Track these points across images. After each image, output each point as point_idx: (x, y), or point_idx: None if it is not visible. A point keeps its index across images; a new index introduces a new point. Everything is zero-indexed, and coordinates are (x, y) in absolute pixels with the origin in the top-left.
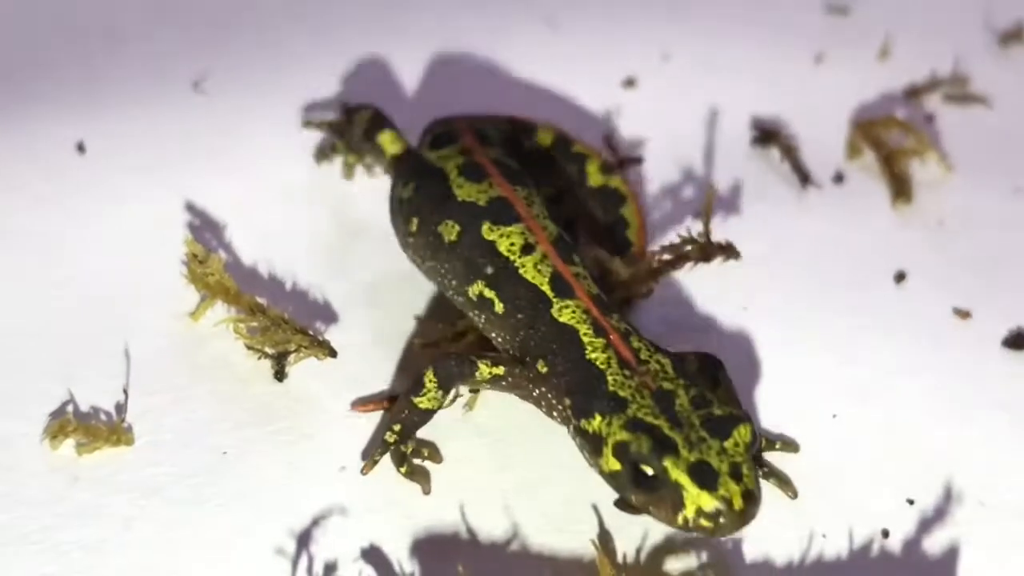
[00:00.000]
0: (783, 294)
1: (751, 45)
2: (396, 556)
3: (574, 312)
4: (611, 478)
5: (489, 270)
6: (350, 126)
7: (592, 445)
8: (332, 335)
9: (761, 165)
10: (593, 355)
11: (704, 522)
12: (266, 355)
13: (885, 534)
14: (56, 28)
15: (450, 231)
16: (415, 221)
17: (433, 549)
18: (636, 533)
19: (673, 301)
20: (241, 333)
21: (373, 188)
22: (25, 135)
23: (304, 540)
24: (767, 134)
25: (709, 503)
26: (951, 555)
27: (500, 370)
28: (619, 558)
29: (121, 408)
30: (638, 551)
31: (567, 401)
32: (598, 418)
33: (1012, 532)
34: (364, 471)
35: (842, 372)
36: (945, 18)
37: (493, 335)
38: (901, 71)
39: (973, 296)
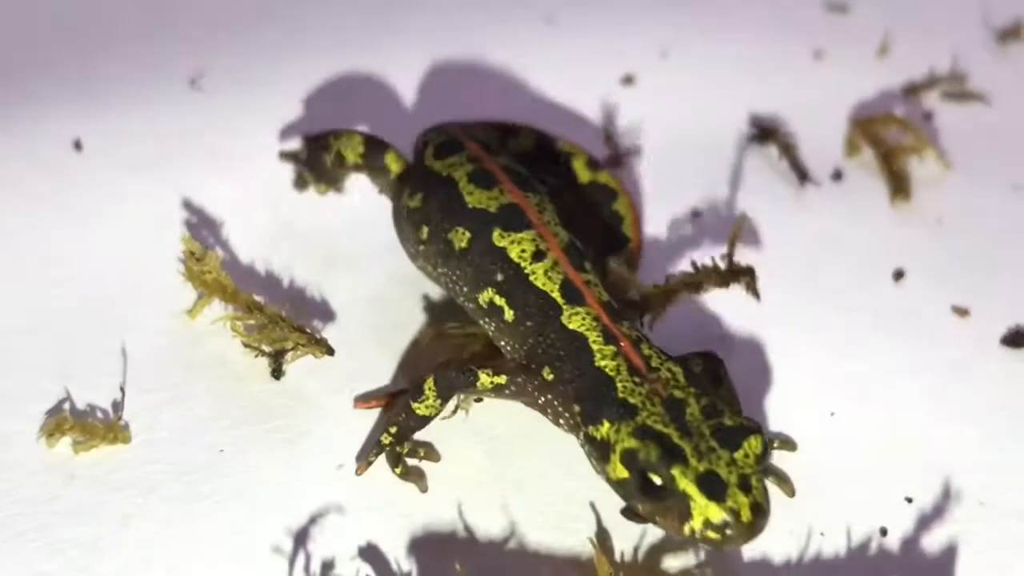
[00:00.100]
0: (781, 291)
1: (750, 42)
2: (393, 554)
3: (584, 319)
4: (618, 486)
5: (499, 277)
6: (316, 156)
7: (600, 452)
8: (329, 333)
9: (759, 162)
10: (602, 362)
11: (711, 534)
12: (263, 353)
13: (883, 532)
14: (53, 26)
15: (461, 238)
16: (425, 230)
17: (430, 547)
18: (634, 531)
19: None
20: (238, 331)
21: (370, 186)
22: (22, 133)
23: (301, 538)
24: (766, 131)
25: (717, 515)
26: (949, 554)
27: (502, 379)
28: (617, 556)
29: (118, 406)
30: (636, 549)
31: (576, 408)
32: (606, 425)
33: (1011, 531)
34: (359, 472)
35: (840, 370)
36: (944, 16)
37: (502, 343)
38: (900, 68)
39: (972, 294)
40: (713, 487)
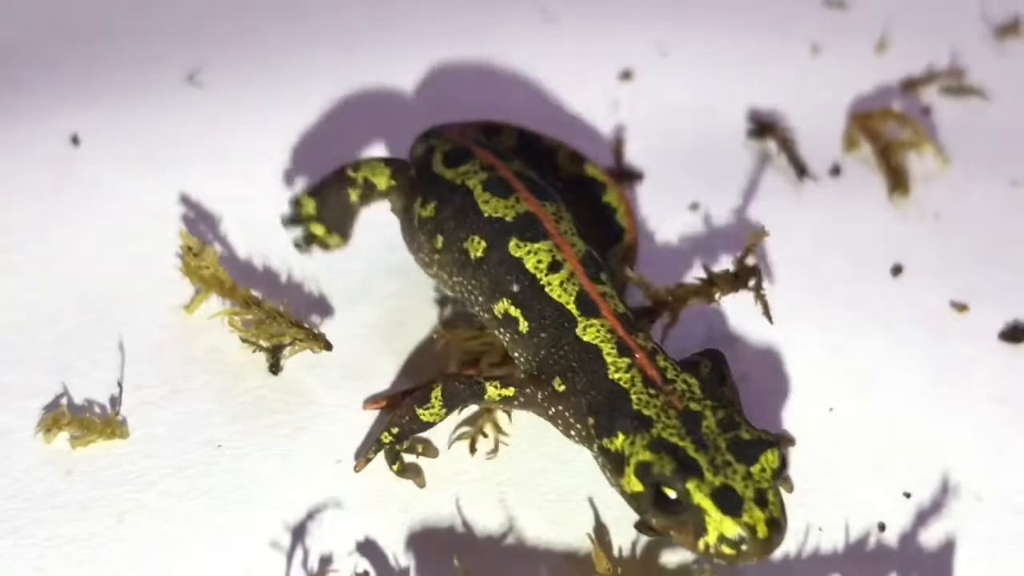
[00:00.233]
0: (779, 286)
1: (748, 37)
2: (391, 549)
3: (598, 331)
4: (632, 499)
5: (515, 288)
6: (335, 197)
7: (614, 465)
8: (327, 328)
9: (757, 157)
10: (616, 375)
11: (726, 549)
12: (261, 348)
13: (881, 527)
14: (50, 20)
15: (476, 247)
16: (440, 239)
17: (428, 543)
18: (632, 528)
19: None
20: (236, 326)
21: None
22: (19, 127)
23: (299, 533)
24: (764, 126)
25: (732, 529)
26: (947, 549)
27: (509, 392)
28: (615, 552)
29: (115, 401)
30: (634, 545)
31: (590, 420)
32: (621, 437)
33: (1009, 526)
34: (357, 468)
35: (838, 365)
36: (942, 11)
37: (516, 354)
38: (898, 63)
39: (970, 289)
40: (729, 502)
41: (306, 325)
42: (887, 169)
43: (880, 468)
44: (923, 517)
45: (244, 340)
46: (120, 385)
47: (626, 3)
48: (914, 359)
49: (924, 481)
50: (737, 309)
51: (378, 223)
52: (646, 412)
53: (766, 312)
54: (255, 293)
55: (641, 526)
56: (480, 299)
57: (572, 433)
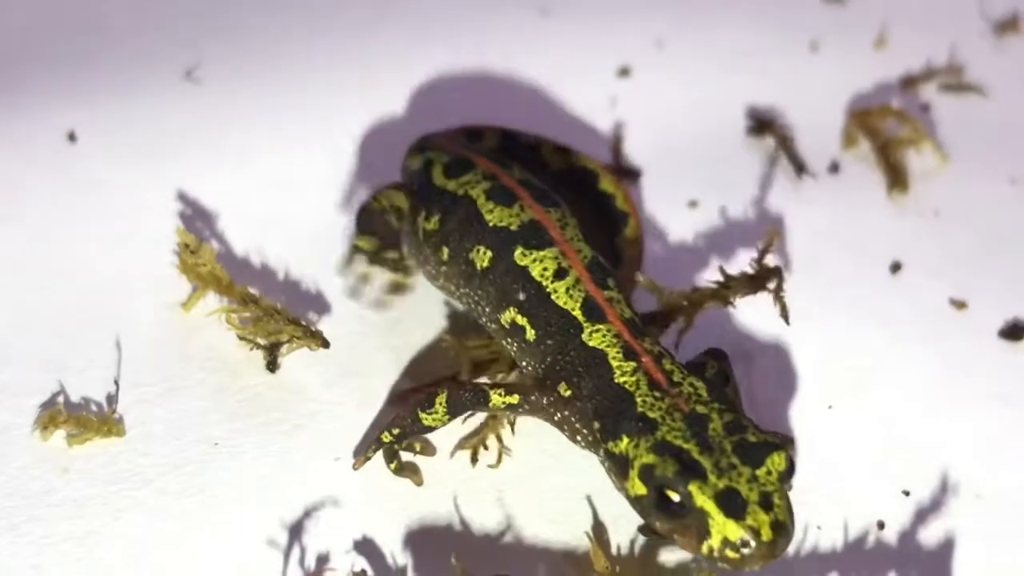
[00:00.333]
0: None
1: (747, 33)
2: (389, 547)
3: (604, 336)
4: (636, 502)
5: (521, 296)
6: (374, 244)
7: (619, 468)
8: (324, 326)
9: (756, 154)
10: (622, 378)
11: (730, 552)
12: (258, 346)
13: (881, 526)
14: (47, 15)
15: (482, 258)
16: (446, 251)
17: (426, 541)
18: (630, 526)
19: None
20: (233, 324)
21: (367, 179)
22: (16, 124)
23: (296, 531)
24: (762, 123)
25: (736, 533)
26: (947, 547)
27: (514, 399)
28: (613, 550)
29: (112, 399)
30: (632, 543)
31: (596, 425)
32: (625, 440)
33: (1008, 523)
34: (356, 467)
35: (837, 363)
36: (941, 7)
37: (523, 363)
38: (897, 60)
39: (969, 286)
40: (732, 504)
41: (303, 322)
42: (886, 166)
43: (879, 466)
44: (922, 515)
45: (241, 338)
46: (117, 383)
47: None
48: (913, 356)
49: (923, 479)
50: (737, 309)
51: None
52: (651, 415)
53: (784, 314)
54: (252, 290)
55: (645, 529)
56: (487, 310)
57: (578, 438)
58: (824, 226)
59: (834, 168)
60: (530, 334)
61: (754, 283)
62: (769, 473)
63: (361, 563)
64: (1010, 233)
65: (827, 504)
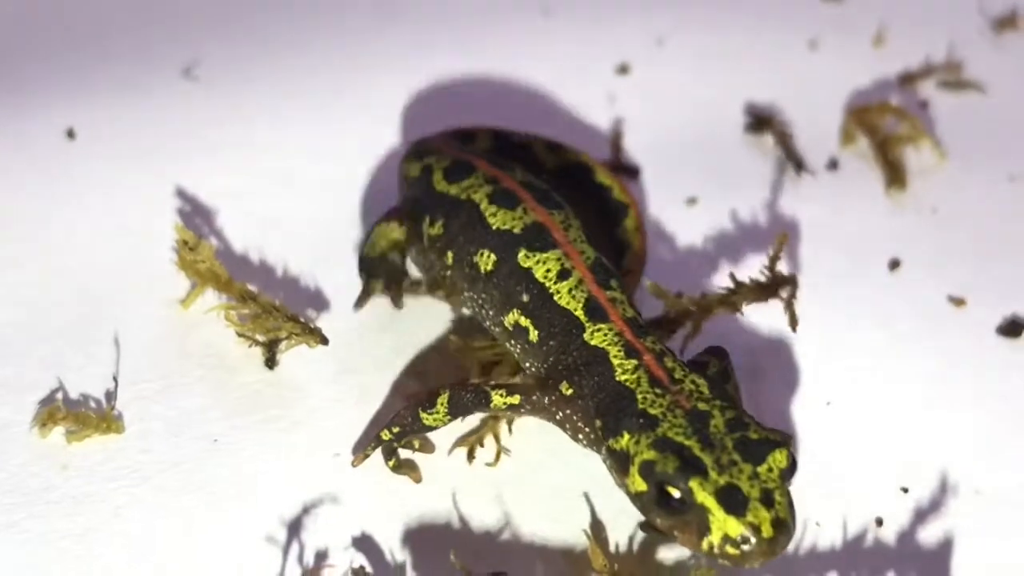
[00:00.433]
0: None
1: (746, 31)
2: (388, 544)
3: (606, 335)
4: (637, 499)
5: (525, 298)
6: (391, 280)
7: (620, 464)
8: (323, 322)
9: (755, 152)
10: (623, 376)
11: (730, 549)
12: (257, 342)
13: (879, 523)
14: (46, 13)
15: (486, 261)
16: (450, 255)
17: (425, 538)
18: (629, 523)
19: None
20: (232, 320)
21: (366, 178)
22: (15, 121)
23: (295, 528)
24: (761, 120)
25: (736, 529)
26: (945, 544)
27: (515, 399)
28: (611, 548)
29: (111, 396)
30: (630, 540)
31: (597, 423)
32: (626, 436)
33: (1007, 520)
34: (355, 464)
35: (836, 359)
36: (940, 5)
37: (527, 364)
38: (895, 57)
39: (968, 283)
40: (733, 501)
41: (302, 319)
42: (884, 163)
43: (877, 463)
44: (921, 512)
45: (240, 335)
46: (115, 380)
47: None
48: (912, 353)
49: (922, 476)
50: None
51: (374, 215)
52: (652, 411)
53: (792, 323)
54: (251, 287)
55: (646, 526)
56: (491, 312)
57: (580, 437)
58: (822, 223)
59: (833, 165)
60: (533, 335)
61: (766, 291)
62: (770, 470)
63: (360, 560)
64: (1009, 230)
65: (825, 501)
